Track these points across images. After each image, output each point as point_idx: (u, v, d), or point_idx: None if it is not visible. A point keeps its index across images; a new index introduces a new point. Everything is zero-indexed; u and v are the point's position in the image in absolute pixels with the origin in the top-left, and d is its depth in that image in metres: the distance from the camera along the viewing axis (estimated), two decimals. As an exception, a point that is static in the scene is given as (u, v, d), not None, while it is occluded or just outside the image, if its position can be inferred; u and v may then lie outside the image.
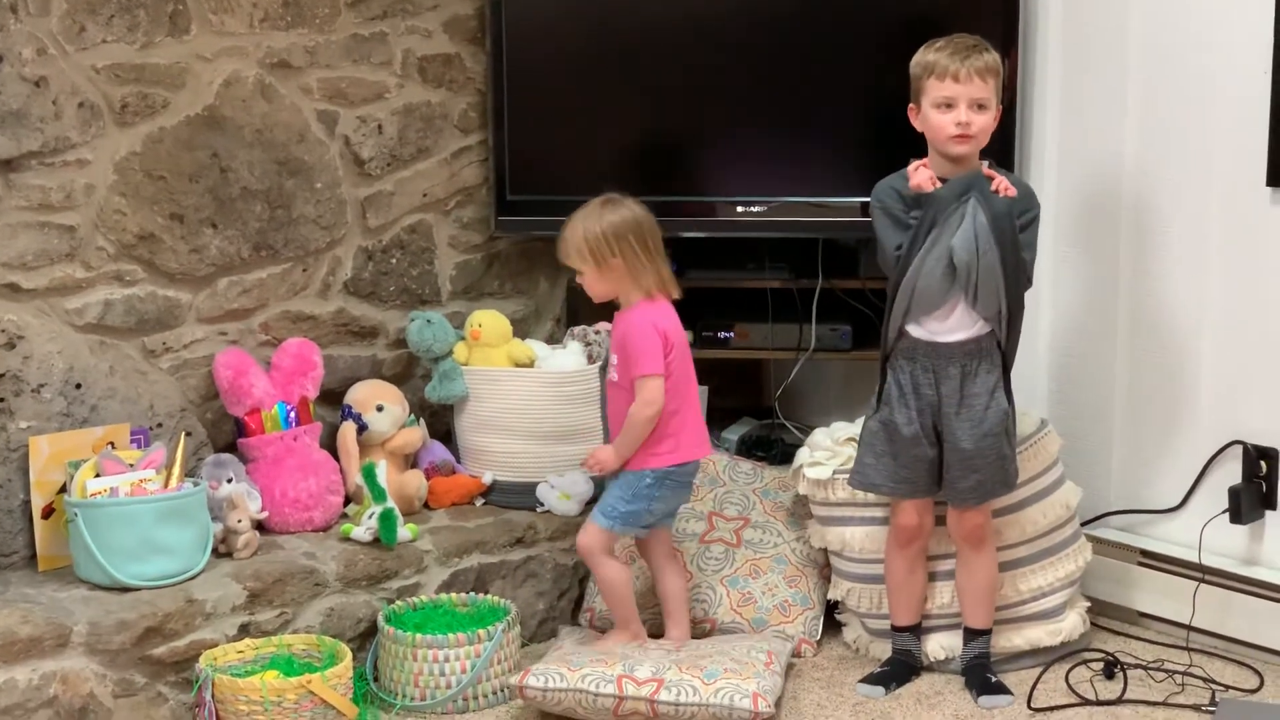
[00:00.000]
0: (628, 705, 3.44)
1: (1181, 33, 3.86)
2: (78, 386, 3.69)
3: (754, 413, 4.70)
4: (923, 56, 3.54)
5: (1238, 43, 3.74)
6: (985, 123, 3.51)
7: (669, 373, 3.63)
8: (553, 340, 4.39)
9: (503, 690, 3.62)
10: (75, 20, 3.64)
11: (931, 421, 3.58)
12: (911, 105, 3.57)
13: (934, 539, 3.77)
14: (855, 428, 3.83)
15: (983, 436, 3.55)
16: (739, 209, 4.26)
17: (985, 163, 3.58)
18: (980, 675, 3.69)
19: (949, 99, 3.49)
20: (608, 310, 4.39)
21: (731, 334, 4.42)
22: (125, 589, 3.46)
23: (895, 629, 3.80)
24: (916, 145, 3.58)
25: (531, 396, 4.10)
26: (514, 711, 3.57)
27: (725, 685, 3.43)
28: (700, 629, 3.89)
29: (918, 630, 3.80)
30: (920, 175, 3.49)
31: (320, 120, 4.07)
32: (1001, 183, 3.48)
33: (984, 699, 3.62)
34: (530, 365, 4.15)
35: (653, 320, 3.63)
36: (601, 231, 3.62)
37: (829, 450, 3.90)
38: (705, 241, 4.43)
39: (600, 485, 4.12)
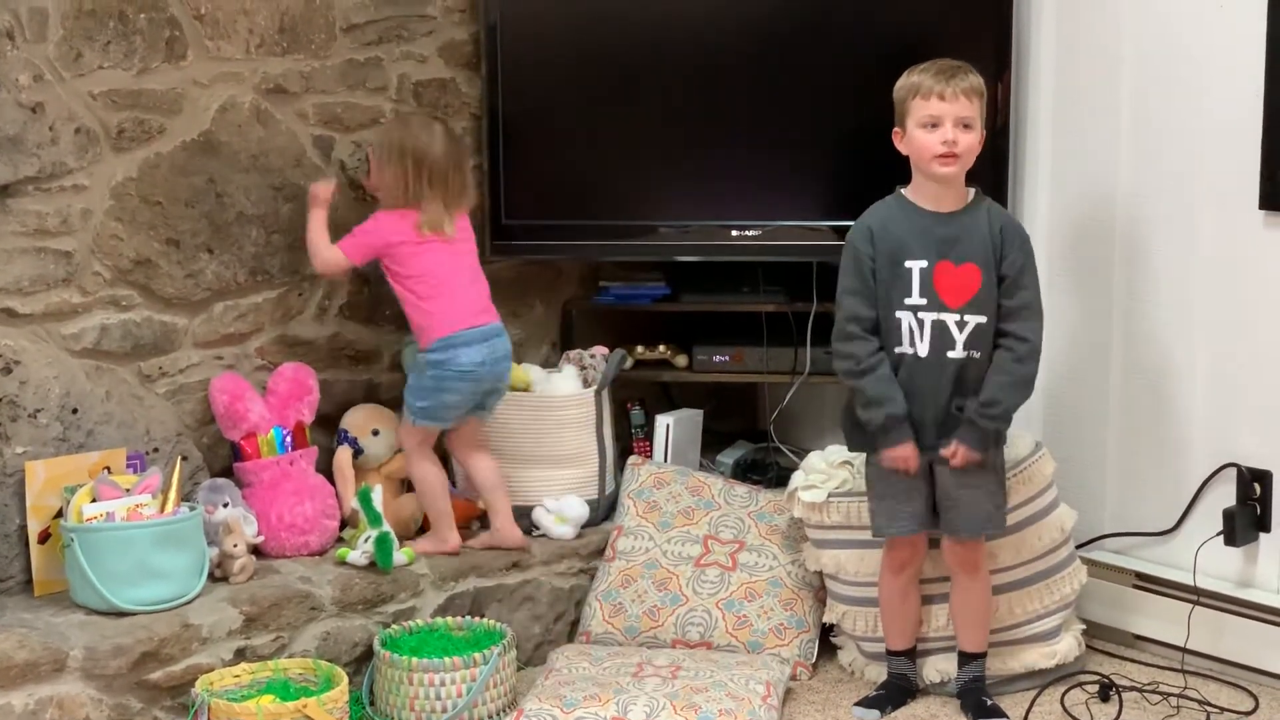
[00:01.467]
0: None
1: (1174, 59, 3.88)
2: (74, 411, 3.70)
3: (749, 436, 4.70)
4: (907, 79, 3.55)
5: (1230, 68, 3.76)
6: (970, 143, 3.52)
7: (400, 269, 3.83)
8: (548, 364, 4.40)
9: (499, 715, 3.62)
10: (72, 46, 3.66)
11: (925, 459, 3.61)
12: (896, 129, 3.58)
13: (930, 562, 3.78)
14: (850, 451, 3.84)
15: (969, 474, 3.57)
16: (734, 233, 4.27)
17: (972, 191, 3.59)
18: (975, 698, 3.69)
19: (935, 118, 3.50)
20: (603, 334, 4.43)
21: (727, 358, 4.43)
22: (121, 614, 3.46)
23: (890, 653, 3.80)
24: (909, 170, 3.60)
25: (527, 420, 4.11)
26: (510, 735, 3.57)
27: None
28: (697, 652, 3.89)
29: (913, 654, 3.81)
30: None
31: (316, 145, 4.08)
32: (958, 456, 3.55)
33: (980, 722, 3.63)
34: (526, 389, 4.15)
35: (384, 221, 3.85)
36: (393, 140, 3.85)
37: (824, 473, 3.90)
38: (700, 265, 4.44)
39: (595, 509, 4.14)
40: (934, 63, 3.54)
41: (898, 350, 3.57)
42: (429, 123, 3.93)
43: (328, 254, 3.87)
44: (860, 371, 3.56)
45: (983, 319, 3.54)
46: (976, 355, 3.55)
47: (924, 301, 3.54)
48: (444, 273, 3.85)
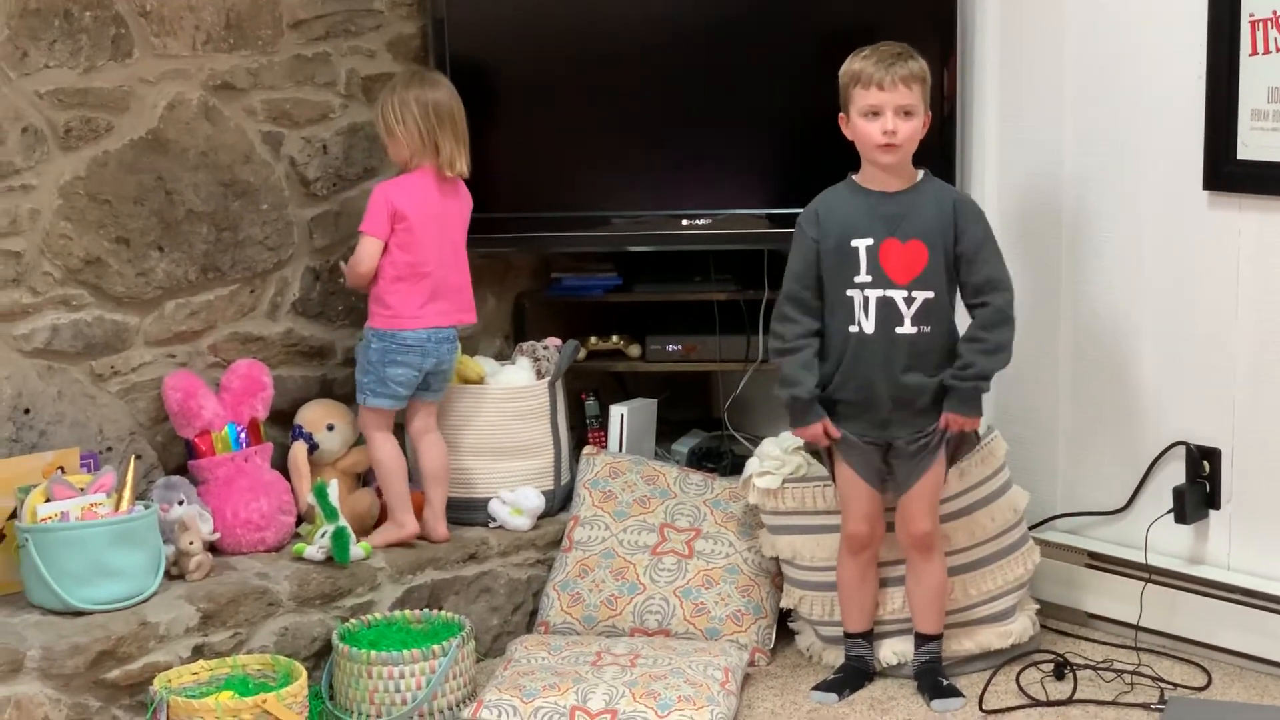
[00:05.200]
0: None
1: (1117, 40, 3.91)
2: (26, 411, 3.68)
3: (703, 424, 4.72)
4: (849, 66, 3.59)
5: (1172, 49, 3.79)
6: (912, 130, 3.55)
7: (397, 244, 3.86)
8: (501, 356, 4.40)
9: (459, 706, 3.62)
10: (17, 46, 3.64)
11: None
12: (841, 114, 3.62)
13: (886, 545, 3.80)
14: (804, 437, 3.87)
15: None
16: (685, 222, 4.28)
17: (921, 172, 3.62)
18: (932, 679, 3.72)
19: (875, 107, 3.54)
20: (556, 325, 4.43)
21: (679, 347, 4.45)
22: (78, 613, 3.45)
23: (848, 635, 3.83)
24: (857, 158, 3.63)
25: (481, 413, 4.11)
26: (470, 727, 3.58)
27: (679, 719, 3.47)
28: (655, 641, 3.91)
29: (870, 636, 3.83)
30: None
31: (265, 141, 4.07)
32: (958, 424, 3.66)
33: (936, 703, 3.65)
34: (480, 382, 4.16)
35: (385, 188, 3.91)
36: (394, 100, 3.90)
37: (778, 459, 3.92)
38: (651, 255, 4.45)
39: (550, 500, 4.14)
40: (876, 48, 3.57)
41: (850, 329, 3.61)
42: (417, 71, 4.04)
43: (354, 263, 3.91)
44: (783, 350, 3.67)
45: (930, 294, 3.58)
46: (927, 330, 3.59)
47: (870, 279, 3.59)
48: (430, 255, 3.87)
